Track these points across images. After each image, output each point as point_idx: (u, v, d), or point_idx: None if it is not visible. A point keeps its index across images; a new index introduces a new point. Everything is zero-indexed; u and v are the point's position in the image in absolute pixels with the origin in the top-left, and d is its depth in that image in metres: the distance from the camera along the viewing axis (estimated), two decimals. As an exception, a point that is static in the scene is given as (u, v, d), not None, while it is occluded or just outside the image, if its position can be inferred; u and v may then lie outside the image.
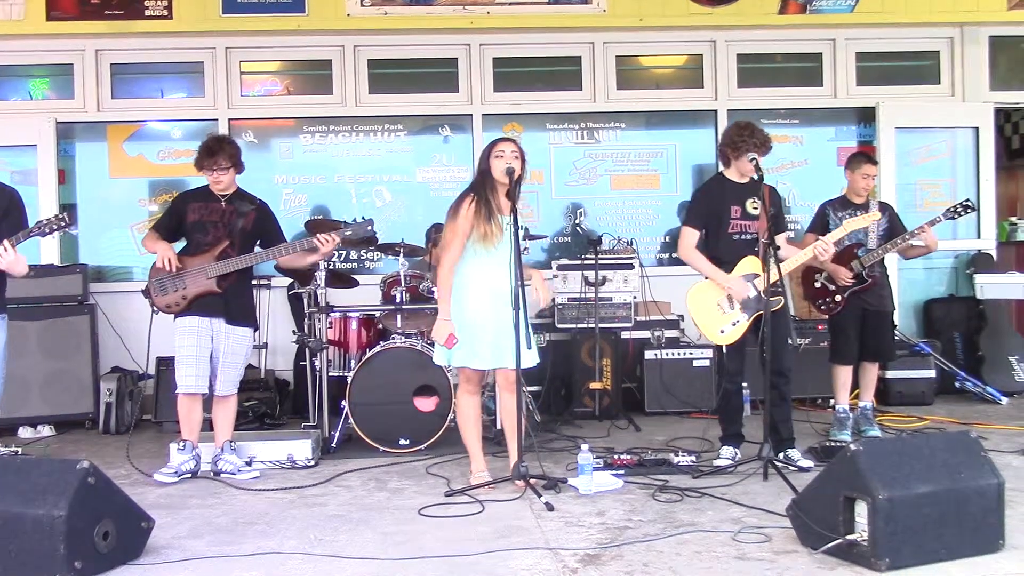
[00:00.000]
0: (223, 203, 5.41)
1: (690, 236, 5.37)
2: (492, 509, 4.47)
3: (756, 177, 5.13)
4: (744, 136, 5.24)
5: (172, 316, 5.31)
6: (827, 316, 6.17)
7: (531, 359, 4.83)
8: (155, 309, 5.32)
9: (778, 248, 5.14)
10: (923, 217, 6.26)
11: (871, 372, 6.19)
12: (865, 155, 6.33)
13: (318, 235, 5.36)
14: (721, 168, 5.50)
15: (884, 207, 6.19)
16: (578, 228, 8.22)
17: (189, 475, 5.23)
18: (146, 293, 5.35)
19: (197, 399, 5.33)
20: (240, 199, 5.46)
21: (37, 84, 8.07)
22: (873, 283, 5.97)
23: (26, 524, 3.46)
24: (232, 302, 5.34)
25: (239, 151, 5.47)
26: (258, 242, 5.48)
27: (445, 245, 4.93)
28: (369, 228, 5.52)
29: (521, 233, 4.95)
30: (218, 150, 5.36)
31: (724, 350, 5.34)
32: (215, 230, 5.34)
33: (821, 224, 6.08)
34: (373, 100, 8.07)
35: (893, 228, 6.08)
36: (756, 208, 5.27)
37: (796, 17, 8.06)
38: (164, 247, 5.31)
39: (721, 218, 5.31)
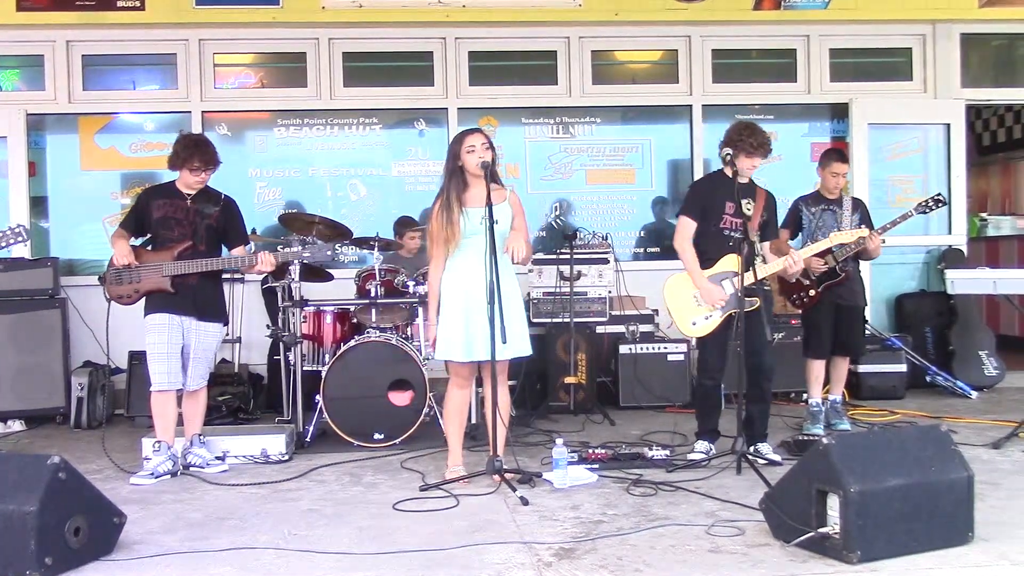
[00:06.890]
0: (188, 201, 5.36)
1: (687, 227, 5.35)
2: (467, 503, 4.47)
3: (728, 171, 5.14)
4: (743, 136, 5.23)
5: (144, 311, 5.29)
6: (801, 311, 6.21)
7: (514, 350, 4.83)
8: (107, 297, 5.33)
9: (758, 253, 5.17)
10: (895, 212, 6.29)
11: (841, 366, 6.24)
12: (837, 152, 6.35)
13: (265, 252, 5.32)
14: (723, 165, 5.42)
15: (857, 203, 6.24)
16: (553, 223, 8.23)
17: (167, 476, 5.15)
18: (101, 280, 5.40)
19: (171, 396, 5.26)
20: (205, 197, 5.41)
21: (7, 75, 7.97)
22: (846, 277, 6.01)
23: (-4, 520, 3.43)
24: (200, 299, 5.32)
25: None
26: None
27: (428, 254, 5.03)
28: (328, 253, 5.47)
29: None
30: (207, 148, 5.35)
31: (706, 345, 5.34)
32: (180, 227, 5.30)
33: (794, 220, 6.13)
34: (348, 93, 8.04)
35: (864, 224, 6.13)
36: (750, 209, 5.26)
37: (771, 13, 8.10)
38: (120, 248, 5.27)
39: (715, 212, 5.28)
